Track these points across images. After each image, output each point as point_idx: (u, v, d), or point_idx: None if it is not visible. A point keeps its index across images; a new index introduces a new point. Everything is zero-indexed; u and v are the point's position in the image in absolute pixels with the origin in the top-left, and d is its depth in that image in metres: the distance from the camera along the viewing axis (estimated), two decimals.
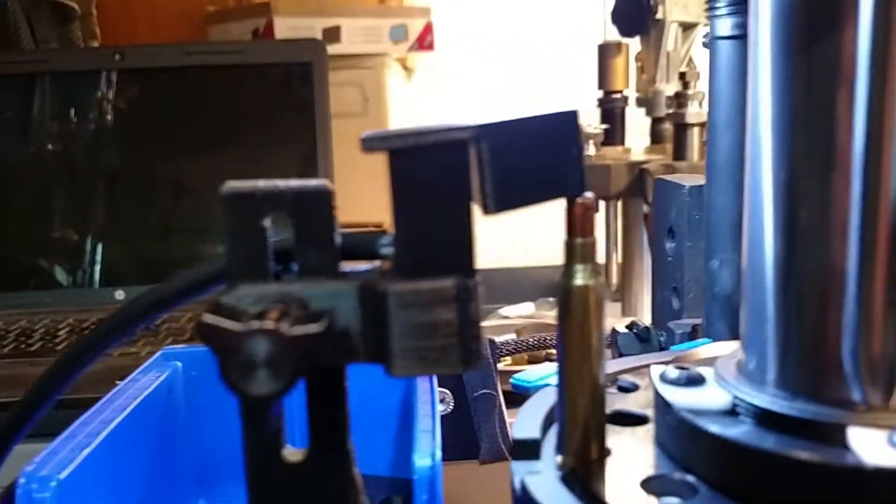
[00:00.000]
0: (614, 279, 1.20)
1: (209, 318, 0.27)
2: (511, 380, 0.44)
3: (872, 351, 0.27)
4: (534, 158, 0.32)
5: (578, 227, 0.33)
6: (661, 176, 0.59)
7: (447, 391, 0.67)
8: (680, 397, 0.34)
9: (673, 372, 0.36)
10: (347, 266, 0.31)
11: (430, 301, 0.29)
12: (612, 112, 1.34)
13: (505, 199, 0.31)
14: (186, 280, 0.33)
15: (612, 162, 1.19)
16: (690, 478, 0.33)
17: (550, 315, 1.27)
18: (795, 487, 0.29)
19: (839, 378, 0.30)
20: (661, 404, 0.35)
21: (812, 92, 0.30)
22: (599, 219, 1.24)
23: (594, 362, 0.33)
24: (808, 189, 0.31)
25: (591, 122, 1.28)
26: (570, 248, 0.33)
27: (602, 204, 1.21)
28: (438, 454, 0.46)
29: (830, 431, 0.30)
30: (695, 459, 0.32)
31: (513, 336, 0.92)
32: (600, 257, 1.32)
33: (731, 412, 0.33)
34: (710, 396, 0.34)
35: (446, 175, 0.29)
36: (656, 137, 1.33)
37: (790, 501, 0.29)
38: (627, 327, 0.57)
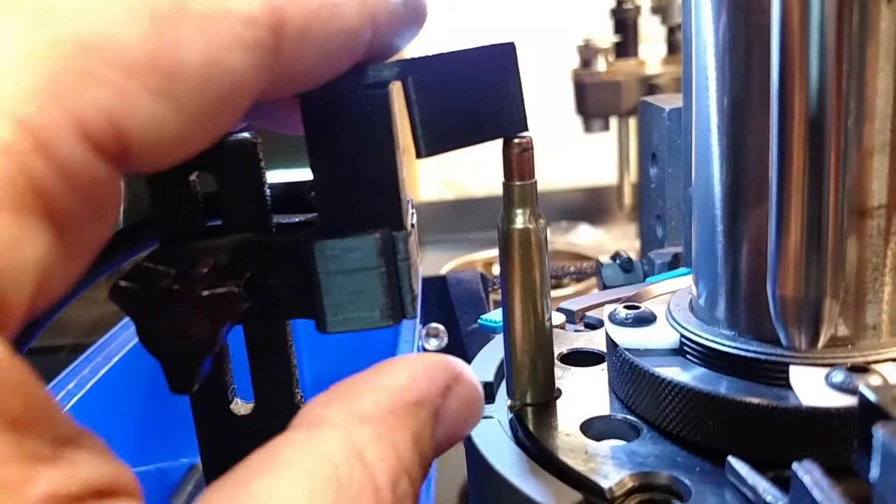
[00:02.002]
0: (627, 200, 1.18)
1: (123, 283, 0.27)
2: (478, 320, 0.44)
3: (793, 294, 0.26)
4: (468, 95, 0.30)
5: (516, 169, 0.32)
6: (646, 98, 0.56)
7: (441, 326, 0.67)
8: (628, 337, 0.34)
9: (622, 311, 0.35)
10: (282, 218, 0.31)
11: (355, 255, 0.28)
12: (624, 22, 1.29)
13: (437, 140, 0.29)
14: (115, 243, 0.32)
15: (623, 78, 1.15)
16: (633, 418, 0.32)
17: (559, 241, 1.26)
18: (735, 427, 0.29)
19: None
20: (610, 344, 0.34)
21: (746, 22, 0.28)
22: (611, 137, 1.20)
23: (538, 305, 0.33)
24: (747, 116, 0.30)
25: (602, 34, 1.23)
26: (508, 190, 0.32)
27: (613, 121, 1.18)
28: None
29: (774, 370, 0.30)
30: (638, 400, 0.32)
31: None
32: (612, 177, 1.29)
33: (678, 351, 0.33)
34: (659, 335, 0.33)
35: (365, 120, 0.27)
36: (672, 48, 1.27)
37: (730, 442, 0.29)
38: (612, 258, 0.56)
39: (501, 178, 0.33)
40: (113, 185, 0.20)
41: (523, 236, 0.32)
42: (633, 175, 1.17)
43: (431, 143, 0.29)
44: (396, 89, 0.28)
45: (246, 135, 0.29)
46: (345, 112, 0.27)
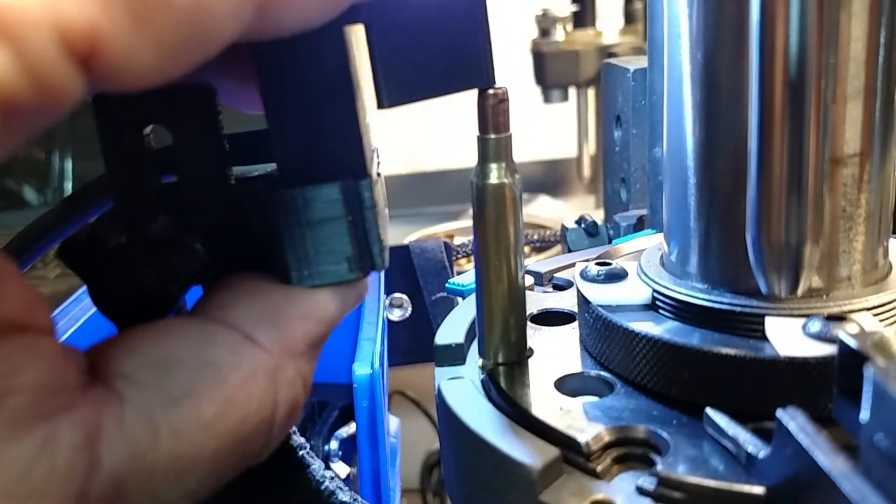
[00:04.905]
0: (586, 171, 1.18)
1: (71, 242, 0.26)
2: (446, 284, 0.43)
3: (773, 240, 0.26)
4: (434, 45, 0.28)
5: (491, 121, 0.31)
6: (609, 59, 0.56)
7: (405, 296, 0.67)
8: (600, 294, 0.33)
9: (594, 268, 0.34)
10: (240, 170, 0.29)
11: (317, 206, 0.27)
12: None
13: (399, 90, 0.28)
14: (68, 206, 0.31)
15: (582, 48, 1.14)
16: (606, 375, 0.32)
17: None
18: (711, 379, 0.29)
19: (751, 268, 0.29)
20: (582, 301, 0.34)
21: None
22: (570, 108, 1.20)
23: (512, 262, 0.32)
24: (721, 67, 0.29)
25: (560, 4, 1.23)
26: (483, 144, 0.31)
27: (572, 92, 1.17)
28: (377, 362, 0.46)
29: (749, 322, 0.29)
30: (611, 356, 0.32)
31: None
32: (570, 150, 1.30)
33: (651, 306, 0.32)
34: (631, 291, 0.33)
35: (322, 65, 0.26)
36: (629, 17, 1.27)
37: (706, 395, 0.29)
38: (576, 222, 0.55)
39: (476, 133, 0.32)
40: (72, 90, 0.19)
41: (498, 191, 0.31)
42: (591, 146, 1.18)
43: (394, 93, 0.28)
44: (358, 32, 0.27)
45: (203, 84, 0.28)
46: (300, 55, 0.26)
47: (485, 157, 0.31)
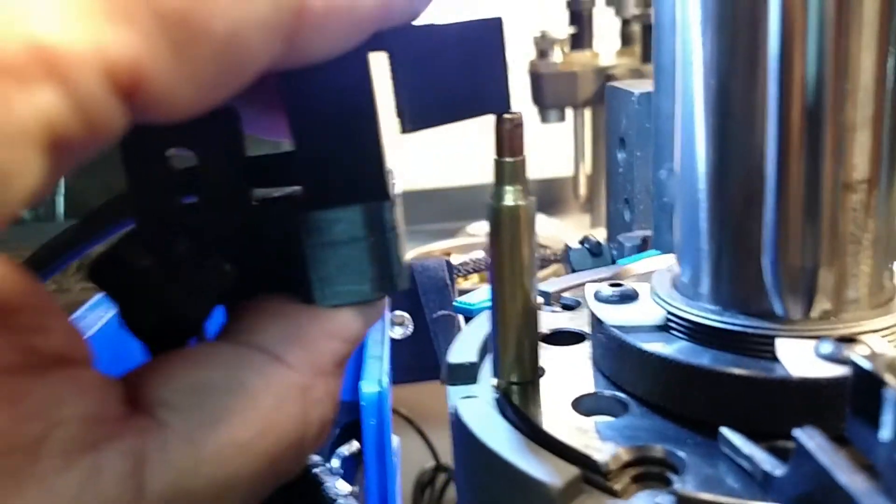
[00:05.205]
0: (582, 191, 1.19)
1: (101, 262, 0.26)
2: (454, 303, 0.43)
3: (789, 262, 0.27)
4: (454, 71, 0.29)
5: (507, 145, 0.32)
6: (613, 83, 0.57)
7: (406, 314, 0.67)
8: (612, 314, 0.34)
9: (606, 289, 0.35)
10: (262, 192, 0.30)
11: (340, 228, 0.28)
12: (579, 14, 1.30)
13: (422, 115, 0.28)
14: (88, 223, 0.31)
15: (579, 69, 1.16)
16: (621, 395, 0.32)
17: None
18: (725, 400, 0.29)
19: (765, 290, 0.29)
20: (595, 322, 0.34)
21: None
22: (567, 129, 1.21)
23: (526, 283, 0.33)
24: (734, 93, 0.30)
25: (558, 26, 1.24)
26: (499, 167, 0.32)
27: (569, 113, 1.19)
28: (385, 380, 0.46)
29: (760, 344, 0.30)
30: (625, 376, 0.32)
31: (480, 253, 0.91)
32: (566, 169, 1.31)
33: (664, 327, 0.33)
34: (643, 312, 0.33)
35: (346, 90, 0.26)
36: (626, 40, 1.29)
37: (719, 414, 0.29)
38: (580, 242, 0.56)
39: (493, 155, 0.32)
40: (117, 124, 0.19)
41: (513, 213, 0.32)
42: (588, 166, 1.19)
43: (417, 118, 0.28)
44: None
45: (227, 106, 0.28)
46: (326, 81, 0.26)
47: (500, 179, 0.32)
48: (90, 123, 0.18)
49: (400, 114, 0.28)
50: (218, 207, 0.28)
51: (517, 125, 0.31)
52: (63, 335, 0.21)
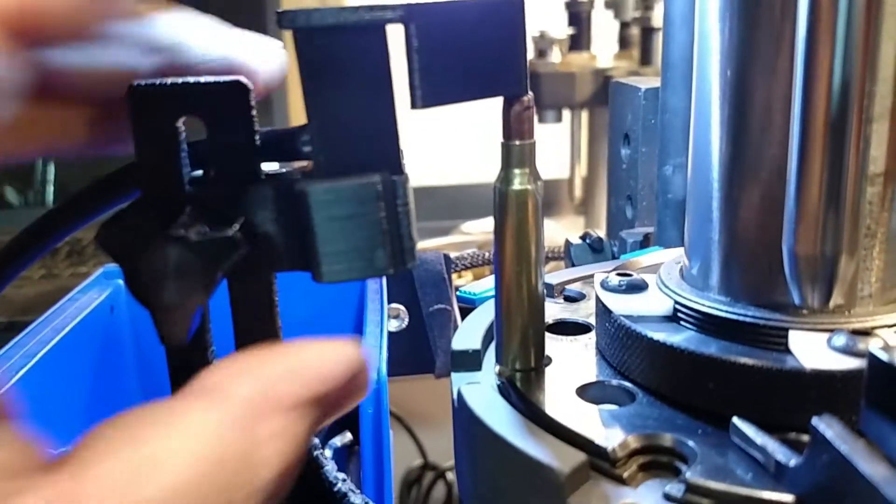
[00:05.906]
0: (578, 192, 1.19)
1: (111, 227, 0.25)
2: (457, 292, 0.43)
3: (810, 251, 0.26)
4: (471, 49, 0.28)
5: (516, 128, 0.31)
6: (618, 79, 0.57)
7: (402, 307, 0.66)
8: (620, 304, 0.33)
9: (614, 279, 0.34)
10: (268, 167, 0.29)
11: (353, 200, 0.27)
12: (578, 16, 1.30)
13: (434, 92, 0.28)
14: (94, 190, 0.30)
15: (577, 70, 1.16)
16: (627, 384, 0.32)
17: None
18: (736, 391, 0.29)
19: (780, 281, 0.29)
20: (602, 311, 0.34)
21: None
22: (564, 129, 1.21)
23: (532, 269, 0.32)
24: (753, 82, 0.30)
25: (557, 26, 1.24)
26: (507, 150, 0.32)
27: (566, 114, 1.18)
28: (384, 368, 0.46)
29: (771, 335, 0.30)
30: (632, 365, 0.32)
31: (475, 249, 0.90)
32: (563, 171, 1.31)
33: (672, 318, 0.32)
34: (652, 302, 0.33)
35: (363, 60, 0.25)
36: (624, 42, 1.29)
37: (729, 405, 0.29)
38: (581, 237, 0.56)
39: (500, 139, 0.32)
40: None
41: (521, 198, 0.31)
42: (584, 168, 1.19)
43: (429, 94, 0.28)
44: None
45: (239, 78, 0.28)
46: (343, 51, 0.26)
47: (508, 162, 0.32)
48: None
49: (412, 89, 0.28)
50: (227, 180, 0.28)
51: (526, 107, 0.31)
52: None
